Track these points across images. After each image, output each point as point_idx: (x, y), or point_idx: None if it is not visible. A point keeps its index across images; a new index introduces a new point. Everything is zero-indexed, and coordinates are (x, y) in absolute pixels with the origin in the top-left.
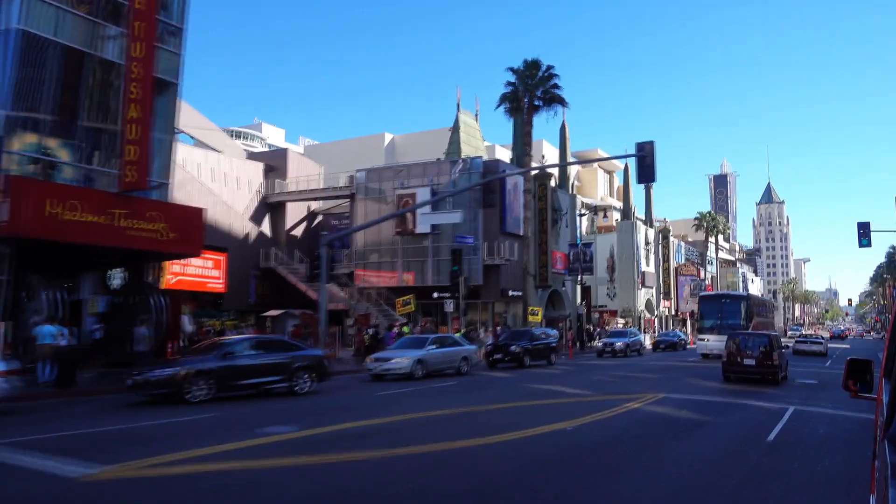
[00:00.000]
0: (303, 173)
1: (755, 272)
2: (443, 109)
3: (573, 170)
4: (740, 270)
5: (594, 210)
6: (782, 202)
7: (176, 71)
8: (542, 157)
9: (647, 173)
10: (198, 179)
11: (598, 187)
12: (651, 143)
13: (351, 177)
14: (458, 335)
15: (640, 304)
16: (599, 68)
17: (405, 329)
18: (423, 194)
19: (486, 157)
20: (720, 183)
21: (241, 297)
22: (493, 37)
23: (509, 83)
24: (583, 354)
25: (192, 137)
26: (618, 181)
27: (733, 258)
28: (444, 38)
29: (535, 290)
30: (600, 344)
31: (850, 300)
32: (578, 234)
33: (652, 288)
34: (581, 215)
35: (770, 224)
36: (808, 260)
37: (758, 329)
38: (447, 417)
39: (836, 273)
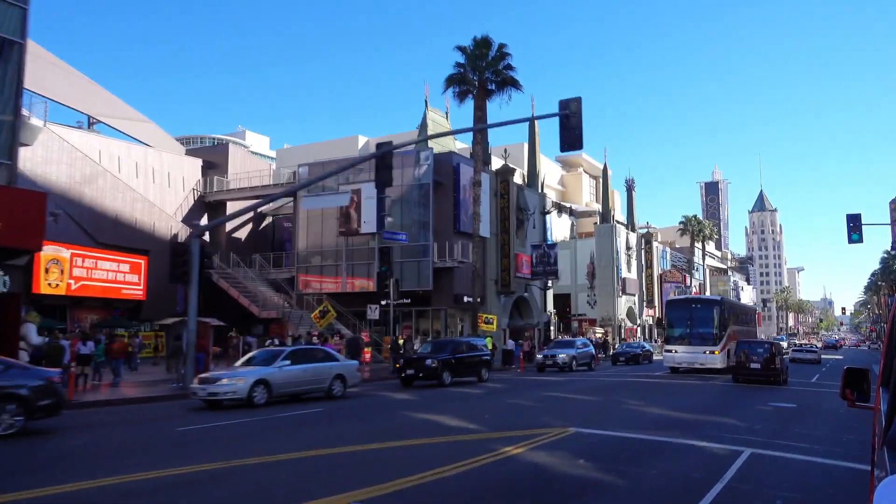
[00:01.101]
0: (248, 170)
1: (747, 280)
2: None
3: (550, 171)
4: (732, 278)
5: (560, 209)
6: (775, 210)
7: (19, 28)
8: (505, 152)
9: (571, 137)
10: (112, 173)
11: (583, 193)
12: (577, 101)
13: (294, 173)
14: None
15: (621, 313)
16: (588, 73)
17: (332, 340)
18: (368, 190)
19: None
20: (711, 190)
21: (167, 305)
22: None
23: (458, 65)
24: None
25: (113, 128)
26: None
27: (725, 266)
28: (430, 39)
29: (496, 296)
30: (540, 357)
31: (843, 308)
32: (550, 236)
33: (634, 295)
34: (545, 213)
35: (763, 232)
36: (802, 269)
37: (734, 338)
38: (221, 473)
39: (831, 283)
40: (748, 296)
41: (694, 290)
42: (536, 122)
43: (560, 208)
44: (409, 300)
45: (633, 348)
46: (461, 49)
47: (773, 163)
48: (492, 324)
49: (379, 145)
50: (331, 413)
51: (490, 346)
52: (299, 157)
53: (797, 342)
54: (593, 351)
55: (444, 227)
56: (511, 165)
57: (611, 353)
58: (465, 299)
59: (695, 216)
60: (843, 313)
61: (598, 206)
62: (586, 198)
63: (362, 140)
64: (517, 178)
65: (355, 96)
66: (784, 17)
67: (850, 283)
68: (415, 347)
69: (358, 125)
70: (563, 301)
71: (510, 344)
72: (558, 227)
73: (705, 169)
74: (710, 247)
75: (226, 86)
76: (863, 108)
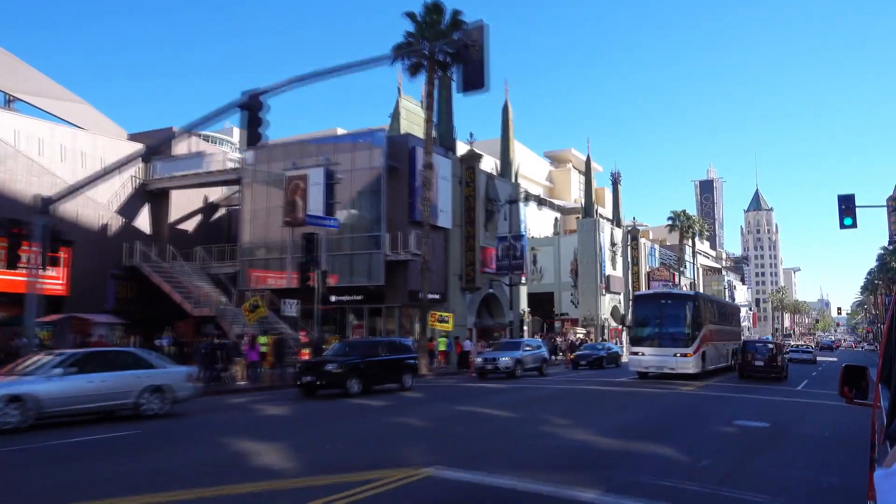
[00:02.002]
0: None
1: (742, 280)
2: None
3: (537, 166)
4: (726, 278)
5: (528, 198)
6: (771, 209)
7: None
8: (470, 136)
9: (472, 73)
10: (27, 155)
11: (571, 189)
12: (480, 29)
13: (242, 160)
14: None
15: (605, 312)
16: (586, 71)
17: (261, 339)
18: (315, 176)
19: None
20: (706, 189)
21: (95, 300)
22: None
23: (408, 34)
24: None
25: (35, 107)
26: (595, 183)
27: (719, 266)
28: None
29: (460, 293)
30: (479, 360)
31: (839, 309)
32: (525, 230)
33: (619, 294)
34: (511, 202)
35: (759, 232)
36: (799, 269)
37: (710, 340)
38: None
39: (828, 284)
40: (742, 296)
41: (683, 288)
42: (510, 106)
43: (533, 199)
44: (361, 297)
45: (596, 350)
46: (410, 16)
47: (769, 161)
48: (447, 322)
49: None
50: (125, 440)
51: (443, 348)
52: (279, 152)
53: (791, 343)
54: (545, 353)
55: (399, 217)
56: (477, 151)
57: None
58: (423, 296)
59: (684, 211)
60: (839, 313)
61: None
62: (575, 194)
63: (341, 132)
64: (489, 167)
65: (341, 89)
66: (783, 15)
67: (847, 284)
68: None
69: (339, 118)
70: (547, 300)
71: (468, 345)
72: (541, 223)
73: (700, 167)
74: (705, 246)
75: (216, 83)
76: (861, 106)
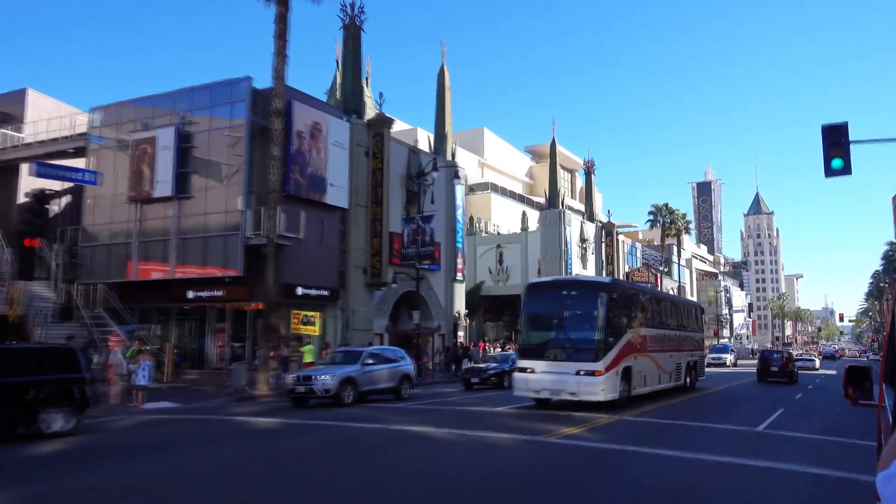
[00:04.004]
0: (58, 126)
1: (741, 286)
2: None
3: (519, 162)
4: (723, 283)
5: (456, 175)
6: (771, 213)
7: None
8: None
9: None
10: None
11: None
12: None
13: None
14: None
15: None
16: (585, 70)
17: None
18: (165, 137)
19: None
20: (703, 191)
21: None
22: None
23: None
24: (432, 386)
25: None
26: (580, 181)
27: (717, 270)
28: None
29: (365, 289)
30: (290, 381)
31: (841, 315)
32: (462, 218)
33: None
34: (420, 175)
35: (759, 236)
36: (801, 276)
37: (639, 350)
38: None
39: (832, 292)
40: (740, 302)
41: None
42: (447, 72)
43: (507, 193)
44: (222, 292)
45: (498, 364)
46: None
47: (769, 164)
48: (313, 324)
49: None
50: None
51: (309, 358)
52: (127, 112)
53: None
54: (407, 368)
55: (266, 188)
56: (388, 115)
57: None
58: (306, 292)
59: (666, 205)
60: (842, 320)
61: (573, 203)
62: (559, 193)
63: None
64: (422, 143)
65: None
66: (787, 16)
67: (852, 292)
68: (94, 361)
69: None
70: (514, 303)
71: None
72: (508, 217)
73: (698, 169)
74: (702, 250)
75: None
76: (865, 108)
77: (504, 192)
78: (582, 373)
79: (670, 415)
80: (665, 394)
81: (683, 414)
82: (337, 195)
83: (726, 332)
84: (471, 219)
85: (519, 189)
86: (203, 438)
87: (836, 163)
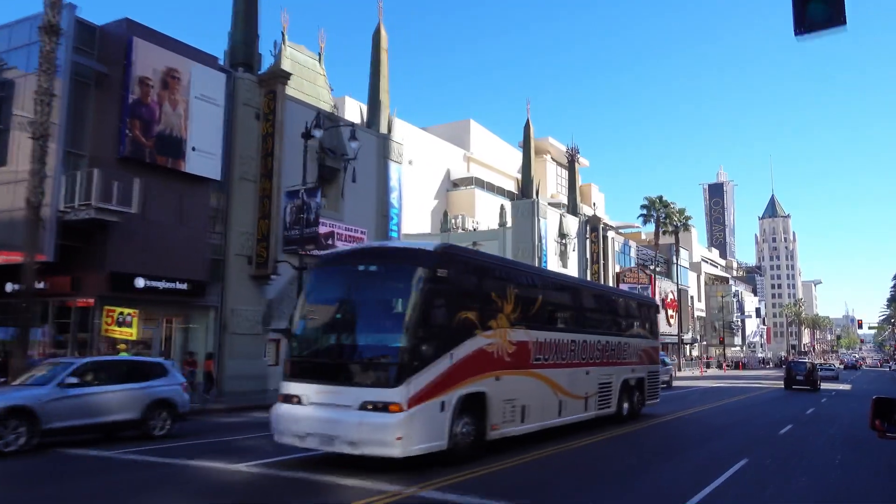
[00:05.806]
0: None
1: (754, 291)
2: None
3: (511, 157)
4: (734, 288)
5: (387, 151)
6: (788, 216)
7: None
8: (274, 46)
9: None
10: None
11: (548, 182)
12: None
13: None
14: None
15: None
16: (583, 69)
17: None
18: None
19: (341, 115)
20: (716, 192)
21: None
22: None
23: None
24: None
25: None
26: (580, 179)
27: (729, 275)
28: None
29: (251, 282)
30: None
31: (860, 321)
32: (399, 204)
33: None
34: (309, 135)
35: (774, 240)
36: (820, 282)
37: (496, 366)
38: None
39: (853, 299)
40: (752, 307)
41: (670, 299)
42: (383, 31)
43: (484, 185)
44: (17, 286)
45: None
46: None
47: (785, 165)
48: (130, 326)
49: None
50: None
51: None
52: None
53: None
54: (166, 391)
55: (104, 151)
56: (285, 70)
57: None
58: (151, 284)
59: (660, 197)
60: (860, 327)
61: (564, 199)
62: (552, 188)
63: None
64: (353, 115)
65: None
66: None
67: (874, 300)
68: None
69: None
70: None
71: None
72: (486, 212)
73: (710, 170)
74: (714, 254)
75: None
76: (885, 107)
77: (491, 189)
78: (369, 406)
79: (534, 479)
80: (575, 429)
81: (562, 474)
82: (204, 164)
83: (738, 340)
84: (445, 214)
85: (511, 186)
86: None
87: (816, 8)
